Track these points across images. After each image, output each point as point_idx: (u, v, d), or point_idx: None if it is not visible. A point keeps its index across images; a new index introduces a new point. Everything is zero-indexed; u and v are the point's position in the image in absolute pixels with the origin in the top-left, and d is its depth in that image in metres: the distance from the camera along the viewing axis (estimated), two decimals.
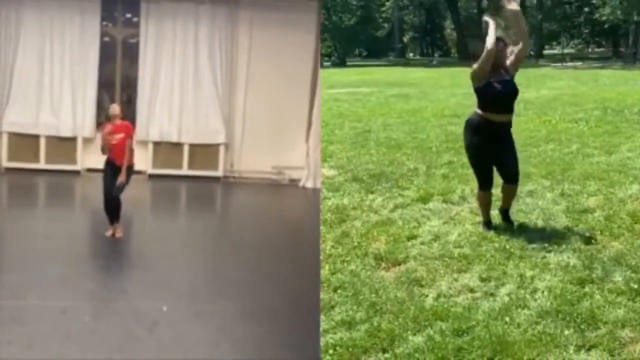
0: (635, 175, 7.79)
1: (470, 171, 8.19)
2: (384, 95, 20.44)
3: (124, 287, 5.75)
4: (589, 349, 3.74)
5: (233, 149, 12.19)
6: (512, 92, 5.78)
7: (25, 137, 11.56)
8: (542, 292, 4.50)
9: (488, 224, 5.96)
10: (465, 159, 8.95)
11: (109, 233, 7.02)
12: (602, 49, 66.42)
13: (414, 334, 3.99)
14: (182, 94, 12.07)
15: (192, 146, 12.00)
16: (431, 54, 68.70)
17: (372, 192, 7.45)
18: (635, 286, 4.49)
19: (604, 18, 48.90)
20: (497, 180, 6.11)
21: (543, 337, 3.86)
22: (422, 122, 12.98)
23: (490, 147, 5.81)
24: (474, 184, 7.54)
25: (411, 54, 72.16)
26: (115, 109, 7.23)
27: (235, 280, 5.95)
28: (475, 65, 5.75)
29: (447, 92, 20.38)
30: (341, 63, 51.51)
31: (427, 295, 4.54)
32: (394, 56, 62.01)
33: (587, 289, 4.51)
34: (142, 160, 11.63)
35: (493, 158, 5.90)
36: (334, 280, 4.87)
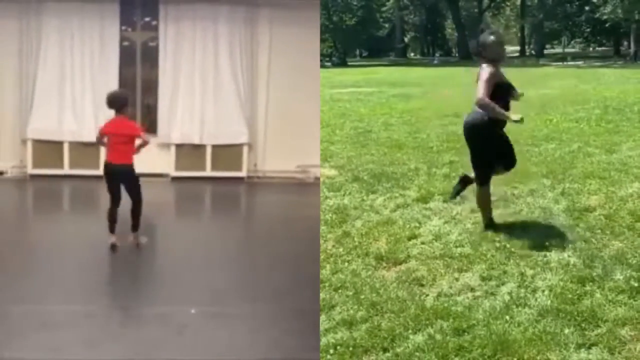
0: (636, 174, 7.79)
1: (471, 170, 8.22)
2: (385, 95, 20.46)
3: (150, 291, 5.72)
4: (589, 348, 3.74)
5: (256, 149, 12.13)
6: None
7: (49, 144, 11.59)
8: (543, 290, 4.51)
9: (491, 221, 5.99)
10: (466, 158, 8.99)
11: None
12: (603, 48, 66.40)
13: (415, 333, 3.99)
14: (203, 95, 12.03)
15: (215, 147, 11.94)
16: (432, 54, 68.75)
17: (373, 192, 7.45)
18: (636, 284, 4.49)
19: (605, 17, 48.93)
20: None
21: (543, 335, 3.87)
22: (423, 122, 12.98)
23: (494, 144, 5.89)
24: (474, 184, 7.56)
25: (412, 54, 72.23)
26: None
27: (263, 282, 5.87)
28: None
29: (448, 92, 20.38)
30: (342, 63, 51.58)
31: (427, 295, 4.55)
32: (394, 56, 62.10)
33: (587, 288, 4.51)
34: (165, 163, 11.74)
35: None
36: (335, 280, 4.88)
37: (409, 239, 5.73)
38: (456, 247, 5.47)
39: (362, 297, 4.54)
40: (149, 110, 12.47)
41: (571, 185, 7.35)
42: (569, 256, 5.13)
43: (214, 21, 11.96)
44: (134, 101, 12.26)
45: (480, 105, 5.50)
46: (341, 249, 5.55)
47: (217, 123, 12.01)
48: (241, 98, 12.08)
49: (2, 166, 11.62)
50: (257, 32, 12.06)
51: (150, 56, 12.32)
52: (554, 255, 5.16)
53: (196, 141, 11.97)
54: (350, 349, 3.86)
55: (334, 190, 7.64)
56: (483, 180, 5.99)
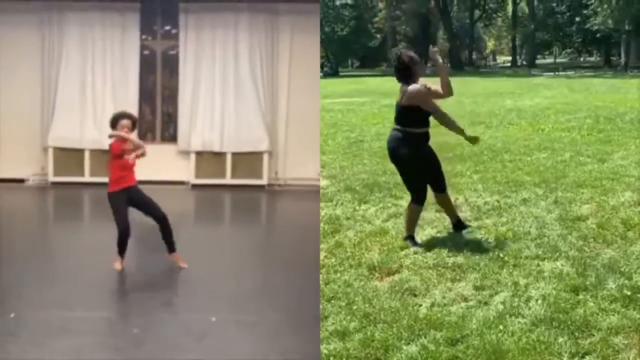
0: (627, 183, 7.82)
1: (463, 180, 8.26)
2: (377, 105, 20.48)
3: (171, 298, 5.70)
4: (582, 356, 3.73)
5: (277, 157, 12.10)
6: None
7: (70, 152, 11.72)
8: (536, 300, 4.49)
9: (412, 238, 5.91)
10: (458, 167, 9.02)
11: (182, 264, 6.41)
12: (594, 58, 66.86)
13: (408, 344, 3.97)
14: (224, 103, 12.06)
15: (235, 155, 11.95)
16: (424, 64, 68.96)
17: (365, 202, 7.44)
18: (629, 293, 4.49)
19: (595, 27, 49.30)
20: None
21: (537, 345, 3.85)
22: None
23: (425, 159, 5.91)
24: (467, 193, 7.58)
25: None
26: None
27: (284, 290, 5.82)
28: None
29: (439, 101, 20.38)
30: (334, 73, 51.67)
31: (420, 305, 4.53)
32: (386, 66, 62.22)
33: (580, 297, 4.50)
34: (185, 171, 11.82)
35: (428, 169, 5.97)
36: (327, 290, 4.85)
37: (402, 249, 5.71)
38: (449, 256, 5.45)
39: (355, 307, 4.51)
40: (169, 118, 12.57)
41: (563, 194, 7.36)
42: (562, 265, 5.12)
43: (235, 29, 12.00)
44: (154, 109, 12.39)
45: (445, 121, 6.04)
46: (334, 260, 5.52)
47: (238, 130, 12.01)
48: (262, 105, 12.07)
49: (23, 174, 11.82)
50: (278, 39, 12.08)
51: (171, 64, 12.44)
52: (547, 265, 5.15)
53: (216, 149, 11.98)
54: (344, 359, 3.84)
55: (326, 200, 7.63)
56: (416, 199, 5.92)
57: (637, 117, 14.56)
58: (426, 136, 5.94)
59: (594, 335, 3.94)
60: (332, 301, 4.65)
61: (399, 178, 8.50)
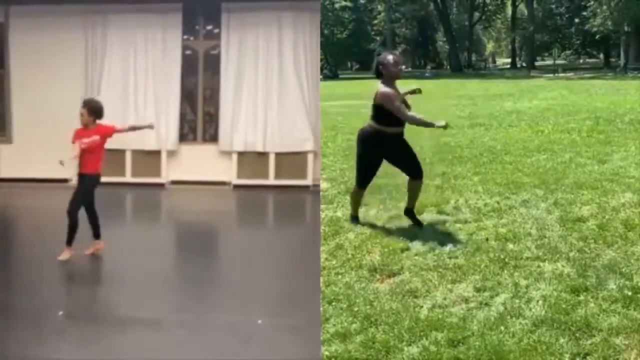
0: (627, 184, 7.82)
1: (463, 181, 8.26)
2: None
3: (215, 300, 5.71)
4: (584, 357, 3.73)
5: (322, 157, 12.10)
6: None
7: (111, 152, 11.70)
8: (537, 301, 4.50)
9: (356, 218, 6.65)
10: (458, 169, 9.05)
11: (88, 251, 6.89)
12: (593, 60, 66.87)
13: (409, 345, 3.97)
14: (267, 102, 11.94)
15: (279, 155, 11.83)
16: (423, 66, 69.08)
17: (365, 204, 7.42)
18: (629, 294, 4.50)
19: (594, 29, 49.40)
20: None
21: (538, 345, 3.86)
22: (415, 134, 12.98)
23: (383, 155, 6.46)
24: (467, 194, 7.59)
25: (403, 66, 72.53)
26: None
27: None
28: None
29: (439, 104, 20.42)
30: (333, 76, 51.75)
31: (421, 306, 4.53)
32: None
33: (581, 297, 4.51)
34: (226, 171, 11.76)
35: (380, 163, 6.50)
36: (328, 292, 4.85)
37: (402, 250, 5.71)
38: (450, 258, 5.45)
39: (356, 309, 4.52)
40: (211, 118, 12.55)
41: (564, 195, 7.37)
42: (562, 266, 5.13)
43: (278, 27, 11.89)
44: (196, 109, 12.45)
45: (411, 121, 6.20)
46: (334, 262, 5.52)
47: (281, 130, 11.88)
48: (306, 104, 11.91)
49: (66, 174, 11.84)
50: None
51: (213, 64, 12.40)
52: (547, 266, 5.16)
53: (259, 149, 11.87)
54: None
55: (326, 202, 7.63)
56: (360, 183, 6.61)
57: (636, 118, 14.58)
58: (397, 136, 6.37)
59: (594, 336, 3.94)
60: (334, 303, 4.65)
61: (399, 180, 8.54)
